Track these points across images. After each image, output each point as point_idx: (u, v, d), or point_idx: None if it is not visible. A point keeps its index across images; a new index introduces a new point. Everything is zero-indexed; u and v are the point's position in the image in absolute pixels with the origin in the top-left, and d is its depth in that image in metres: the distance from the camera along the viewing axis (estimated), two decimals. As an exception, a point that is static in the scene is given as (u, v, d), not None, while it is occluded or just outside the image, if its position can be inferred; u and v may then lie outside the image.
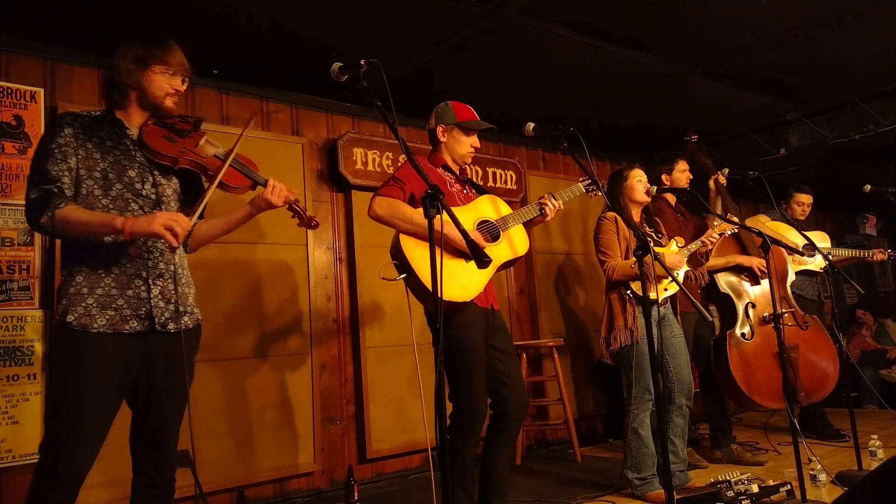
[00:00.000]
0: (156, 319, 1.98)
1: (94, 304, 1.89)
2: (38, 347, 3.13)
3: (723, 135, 5.63)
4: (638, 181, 3.45)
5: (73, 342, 1.88)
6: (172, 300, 2.04)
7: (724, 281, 4.09)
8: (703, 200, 3.65)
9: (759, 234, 3.30)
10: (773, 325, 3.95)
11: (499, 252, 2.68)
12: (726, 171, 4.23)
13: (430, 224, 1.79)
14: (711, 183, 4.21)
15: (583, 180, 3.03)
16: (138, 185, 2.02)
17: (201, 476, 3.13)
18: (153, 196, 2.04)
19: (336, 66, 2.03)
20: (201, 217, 2.23)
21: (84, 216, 1.87)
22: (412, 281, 2.55)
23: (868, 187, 4.36)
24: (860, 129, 5.01)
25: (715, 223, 3.47)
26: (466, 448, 2.55)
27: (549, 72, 4.19)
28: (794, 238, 4.24)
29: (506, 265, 2.76)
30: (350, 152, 4.21)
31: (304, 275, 3.98)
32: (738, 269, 4.10)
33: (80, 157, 1.95)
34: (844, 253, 4.70)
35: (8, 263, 3.10)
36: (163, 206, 2.06)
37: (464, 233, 1.87)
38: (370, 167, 4.28)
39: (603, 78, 4.35)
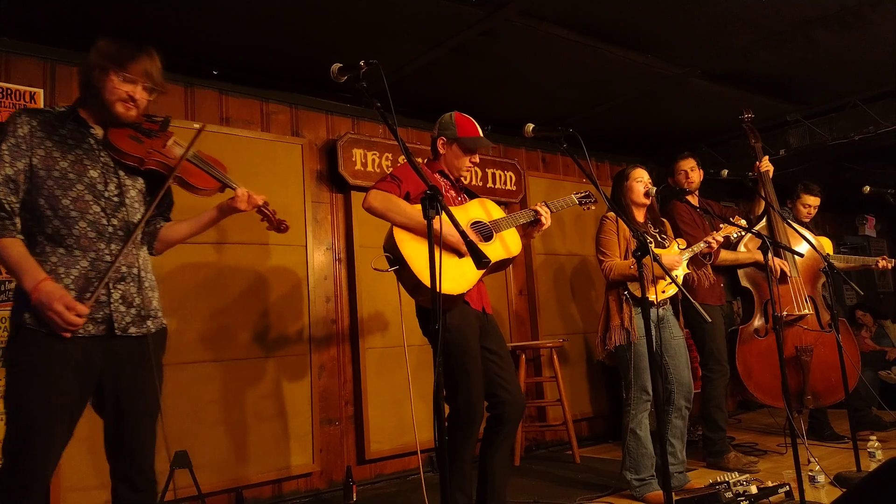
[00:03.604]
0: (115, 324, 1.93)
1: None
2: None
3: (722, 136, 5.63)
4: (637, 181, 3.45)
5: (29, 343, 1.83)
6: (135, 304, 1.98)
7: (746, 276, 4.08)
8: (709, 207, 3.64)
9: (759, 235, 3.30)
10: (790, 326, 3.98)
11: (491, 251, 2.70)
12: (766, 162, 4.20)
13: (430, 224, 1.79)
14: (755, 170, 4.17)
15: (577, 193, 3.06)
16: (100, 187, 1.96)
17: (199, 477, 3.13)
18: (116, 198, 1.99)
19: (336, 66, 2.03)
20: (168, 219, 2.22)
21: (11, 258, 1.82)
22: (404, 274, 2.56)
23: (867, 188, 4.36)
24: (860, 131, 5.01)
25: (721, 225, 3.48)
26: (465, 450, 2.56)
27: (548, 73, 4.19)
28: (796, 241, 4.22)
29: (498, 265, 2.77)
30: (350, 153, 4.22)
31: (304, 276, 3.98)
32: (761, 267, 4.08)
33: (38, 156, 1.89)
34: (850, 261, 4.67)
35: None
36: (126, 208, 2.00)
37: (463, 234, 1.87)
38: (370, 168, 4.28)
39: (603, 79, 4.35)
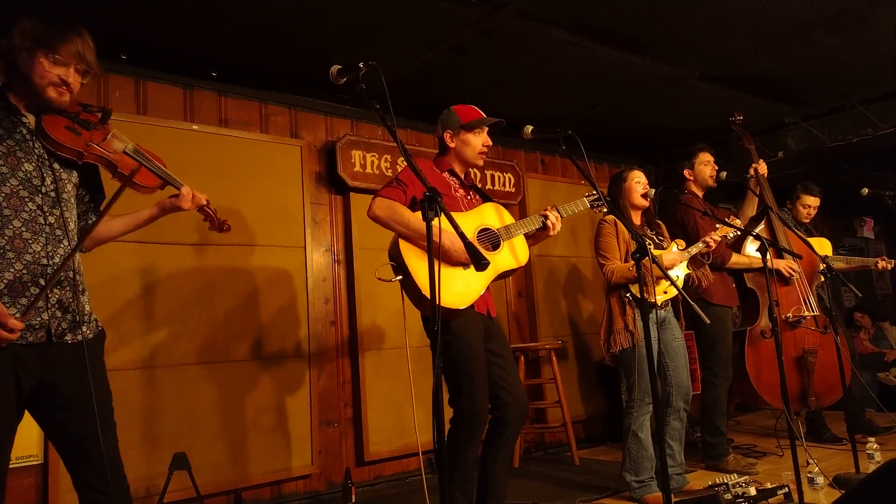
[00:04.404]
0: (52, 331, 1.80)
1: None
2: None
3: (721, 137, 5.63)
4: (636, 183, 3.46)
5: None
6: (70, 309, 1.84)
7: (752, 278, 4.08)
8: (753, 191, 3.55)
9: (758, 236, 3.30)
10: (795, 327, 3.98)
11: (498, 261, 2.67)
12: (762, 164, 4.16)
13: (429, 226, 1.79)
14: (752, 171, 4.14)
15: (588, 196, 2.96)
16: (37, 181, 1.81)
17: (198, 478, 3.13)
18: (53, 194, 1.84)
19: (335, 68, 2.02)
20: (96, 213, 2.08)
21: None
22: (408, 285, 2.54)
23: (866, 190, 4.36)
24: (858, 132, 5.02)
25: (717, 225, 3.47)
26: (467, 452, 2.55)
27: (547, 74, 4.20)
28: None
29: (504, 274, 2.74)
30: (349, 155, 4.21)
31: (303, 277, 3.98)
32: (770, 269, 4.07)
33: None
34: (852, 262, 4.67)
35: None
36: (62, 204, 1.85)
37: (462, 236, 1.87)
38: (369, 170, 4.28)
39: (601, 80, 4.36)
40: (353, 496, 3.50)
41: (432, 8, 3.29)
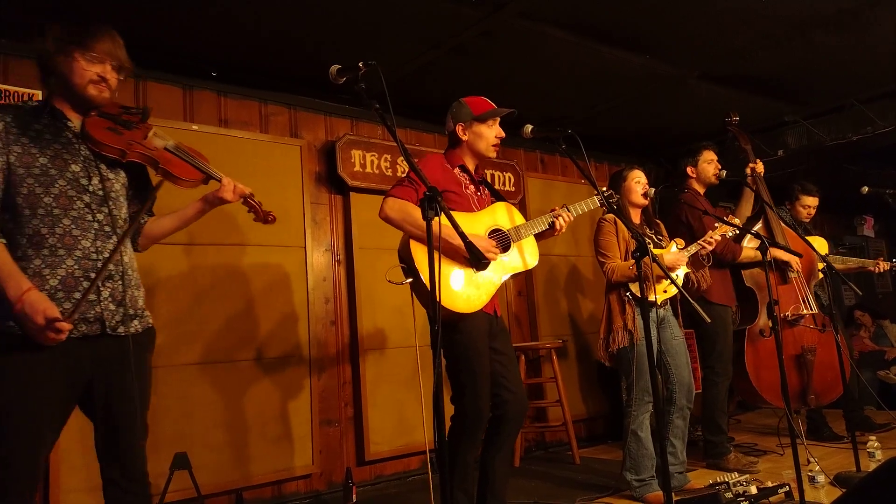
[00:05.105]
0: (106, 323, 1.88)
1: None
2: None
3: (720, 136, 5.63)
4: (636, 182, 3.46)
5: (14, 350, 1.76)
6: (122, 303, 1.93)
7: (750, 276, 4.07)
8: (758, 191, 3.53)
9: (757, 235, 3.30)
10: (794, 326, 3.98)
11: (508, 263, 2.66)
12: (759, 164, 4.15)
13: (429, 226, 1.79)
14: (749, 171, 4.12)
15: (597, 194, 2.91)
16: (84, 181, 1.89)
17: (199, 478, 3.13)
18: (100, 192, 1.92)
19: (334, 68, 2.02)
20: (151, 214, 2.16)
21: None
22: (418, 286, 2.53)
23: (866, 189, 4.36)
24: (858, 131, 5.02)
25: (716, 225, 3.47)
26: (469, 451, 2.55)
27: (547, 74, 4.19)
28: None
29: (513, 275, 2.74)
30: (348, 154, 4.21)
31: (303, 277, 3.98)
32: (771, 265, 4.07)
33: (15, 153, 1.82)
34: (848, 262, 4.67)
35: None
36: (111, 203, 1.94)
37: (462, 235, 1.87)
38: (368, 169, 4.28)
39: (601, 80, 4.36)
40: (354, 496, 3.50)
41: (432, 8, 3.29)
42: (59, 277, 1.82)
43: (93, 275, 1.85)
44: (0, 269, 1.76)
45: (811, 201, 4.59)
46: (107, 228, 1.92)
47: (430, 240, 1.77)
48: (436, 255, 1.74)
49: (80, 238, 1.87)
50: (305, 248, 4.02)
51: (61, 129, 1.92)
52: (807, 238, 3.95)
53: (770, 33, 3.82)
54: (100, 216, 1.91)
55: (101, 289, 1.88)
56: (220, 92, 3.88)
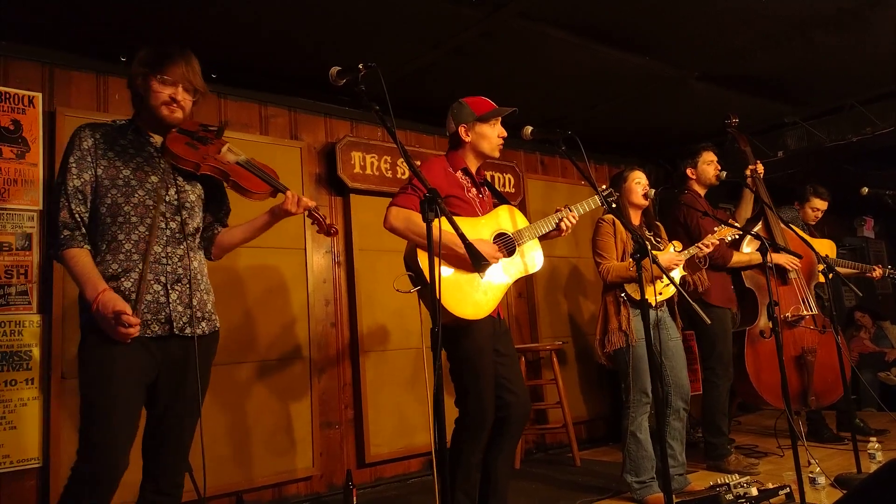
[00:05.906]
0: (174, 324, 2.01)
1: None
2: (36, 352, 3.12)
3: (720, 137, 5.63)
4: (637, 183, 3.46)
5: (95, 346, 1.92)
6: (190, 305, 2.06)
7: (750, 277, 4.06)
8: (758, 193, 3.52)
9: (758, 237, 3.30)
10: (794, 327, 3.97)
11: (514, 267, 2.65)
12: (759, 165, 4.14)
13: (429, 228, 1.78)
14: (749, 172, 4.11)
15: (598, 193, 2.88)
16: (162, 191, 2.05)
17: (199, 481, 3.12)
18: (175, 202, 2.07)
19: (334, 70, 2.03)
20: (225, 225, 2.31)
21: (77, 268, 1.92)
22: (426, 294, 2.52)
23: (865, 190, 4.36)
24: (858, 132, 5.02)
25: (716, 228, 3.46)
26: (472, 453, 2.54)
27: (547, 75, 4.19)
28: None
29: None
30: (348, 156, 4.21)
31: (303, 279, 3.97)
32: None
33: (102, 167, 2.00)
34: (843, 269, 4.66)
35: (6, 268, 3.10)
36: (184, 212, 2.08)
37: (462, 236, 1.86)
38: (368, 171, 4.28)
39: (601, 81, 4.36)
40: (354, 498, 3.50)
41: (432, 8, 3.28)
42: (132, 280, 1.97)
43: (162, 278, 2.01)
44: (82, 273, 1.92)
45: (821, 204, 4.60)
46: (178, 236, 2.07)
47: (429, 240, 1.77)
48: (436, 256, 1.74)
49: (152, 244, 2.01)
50: (305, 249, 4.02)
51: (144, 144, 2.09)
52: (812, 240, 3.95)
53: (770, 33, 3.82)
54: (173, 224, 2.06)
55: (170, 291, 2.02)
56: (219, 94, 3.88)
